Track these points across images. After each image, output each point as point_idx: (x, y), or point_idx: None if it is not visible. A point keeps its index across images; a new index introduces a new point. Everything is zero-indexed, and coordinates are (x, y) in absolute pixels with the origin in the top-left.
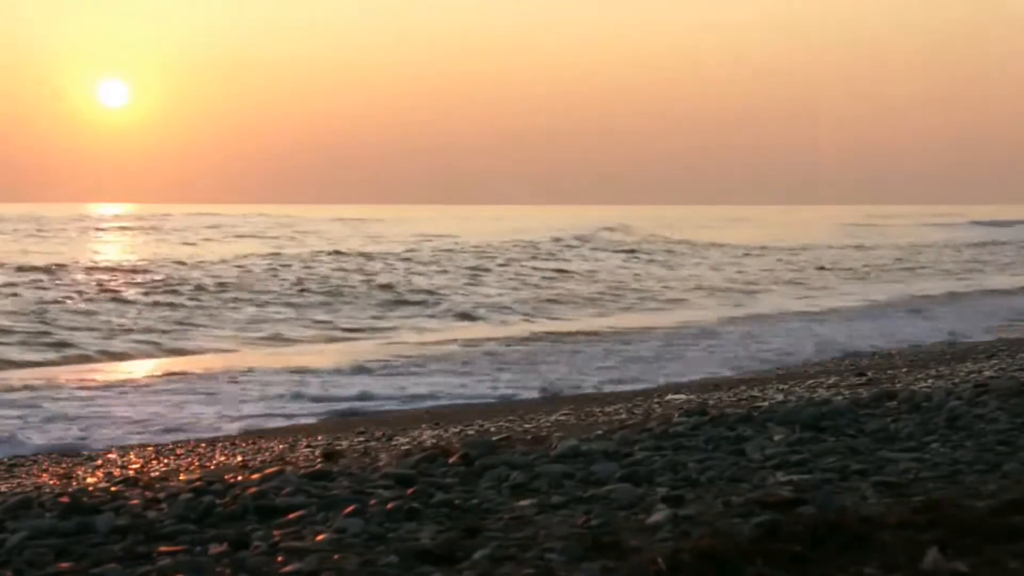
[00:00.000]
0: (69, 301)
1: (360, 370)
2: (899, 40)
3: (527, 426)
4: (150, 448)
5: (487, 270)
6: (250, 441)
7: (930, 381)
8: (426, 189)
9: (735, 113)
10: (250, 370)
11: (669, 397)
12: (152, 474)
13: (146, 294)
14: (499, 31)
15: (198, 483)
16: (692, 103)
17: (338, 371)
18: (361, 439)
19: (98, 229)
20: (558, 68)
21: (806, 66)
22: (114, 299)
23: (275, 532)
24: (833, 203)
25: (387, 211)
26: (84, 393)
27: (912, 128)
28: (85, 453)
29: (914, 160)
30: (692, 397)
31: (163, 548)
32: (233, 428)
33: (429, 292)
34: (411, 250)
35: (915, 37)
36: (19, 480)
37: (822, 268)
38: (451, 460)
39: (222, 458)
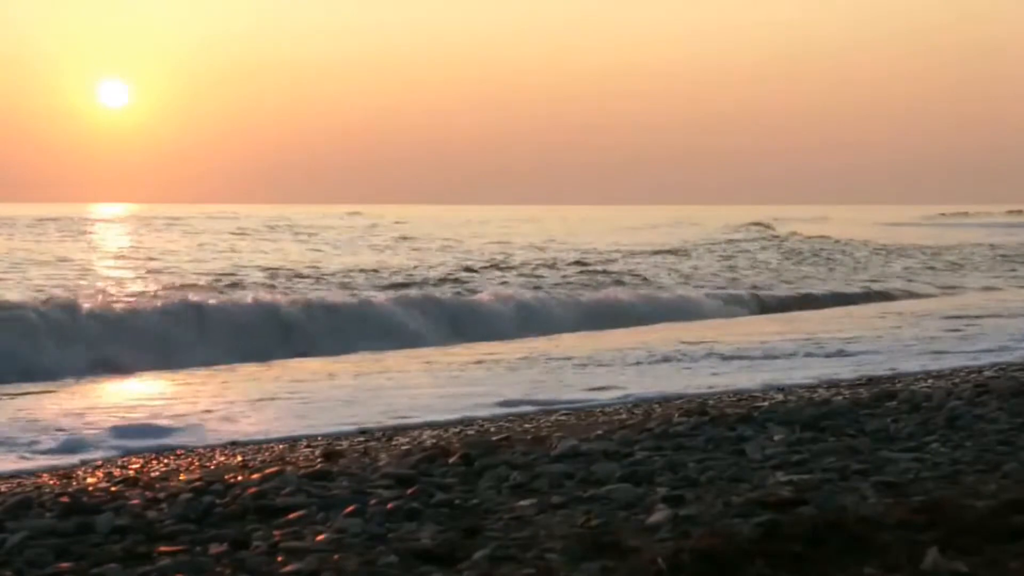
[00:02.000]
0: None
1: None
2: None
3: (527, 426)
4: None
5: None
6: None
7: (930, 381)
8: (426, 189)
9: (734, 114)
10: None
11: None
12: (152, 474)
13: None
14: (500, 30)
15: (198, 483)
16: (694, 103)
17: None
18: (361, 439)
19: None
20: (564, 68)
21: (809, 67)
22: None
23: (275, 532)
24: (842, 204)
25: (406, 211)
26: None
27: (918, 128)
28: None
29: (915, 160)
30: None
31: (163, 548)
32: None
33: None
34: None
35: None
36: (19, 480)
37: None
38: (451, 460)
39: (222, 458)
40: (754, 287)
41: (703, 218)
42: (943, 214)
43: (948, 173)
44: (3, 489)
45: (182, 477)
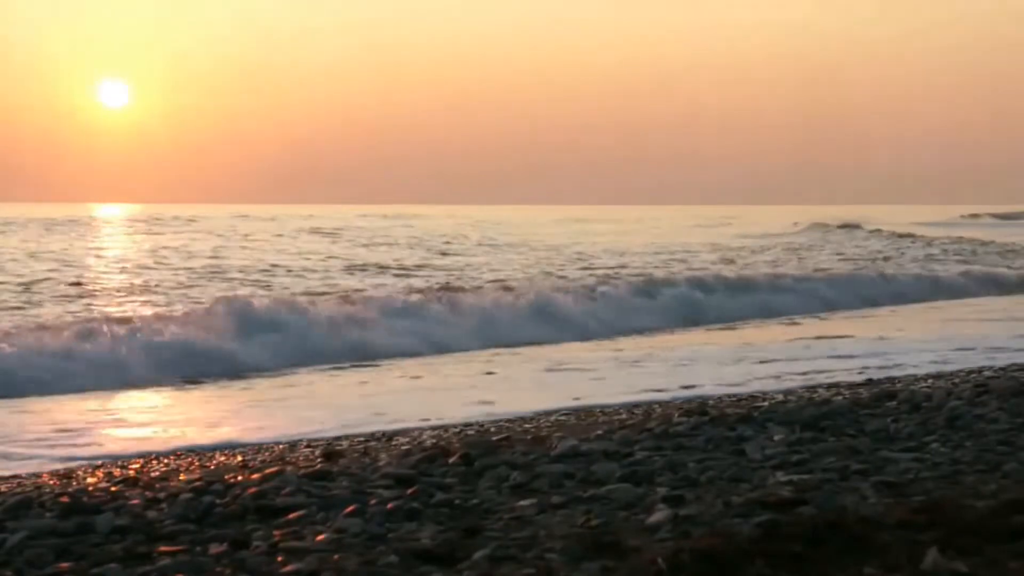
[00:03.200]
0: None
1: None
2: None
3: (527, 426)
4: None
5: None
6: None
7: (930, 381)
8: (429, 189)
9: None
10: None
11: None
12: (152, 474)
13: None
14: (502, 31)
15: (198, 483)
16: (695, 102)
17: None
18: (361, 439)
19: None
20: (567, 67)
21: (810, 66)
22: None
23: (275, 532)
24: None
25: (417, 211)
26: None
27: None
28: None
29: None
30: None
31: (163, 548)
32: None
33: None
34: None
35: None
36: (19, 480)
37: None
38: (451, 460)
39: (222, 458)
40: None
41: (734, 217)
42: (994, 215)
43: (947, 173)
44: (3, 489)
45: (182, 477)
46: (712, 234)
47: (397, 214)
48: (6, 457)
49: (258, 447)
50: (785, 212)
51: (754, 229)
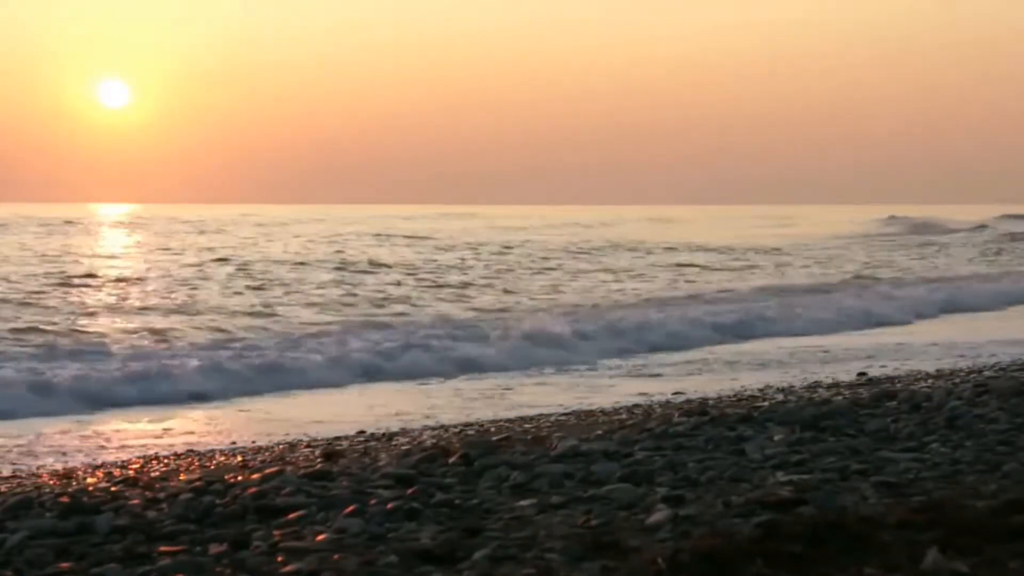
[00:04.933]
0: None
1: None
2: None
3: (527, 426)
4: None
5: None
6: (249, 440)
7: (930, 381)
8: (431, 189)
9: (744, 112)
10: None
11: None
12: (152, 474)
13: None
14: (504, 30)
15: (198, 483)
16: (698, 102)
17: None
18: (361, 439)
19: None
20: (568, 67)
21: (815, 64)
22: None
23: (275, 532)
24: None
25: (417, 211)
26: None
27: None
28: None
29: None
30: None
31: (163, 548)
32: None
33: None
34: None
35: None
36: (19, 480)
37: None
38: (451, 460)
39: (222, 458)
40: None
41: (787, 218)
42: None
43: (948, 173)
44: (3, 489)
45: (182, 477)
46: (817, 233)
47: (416, 215)
48: None
49: (258, 447)
50: (818, 212)
51: (834, 229)
